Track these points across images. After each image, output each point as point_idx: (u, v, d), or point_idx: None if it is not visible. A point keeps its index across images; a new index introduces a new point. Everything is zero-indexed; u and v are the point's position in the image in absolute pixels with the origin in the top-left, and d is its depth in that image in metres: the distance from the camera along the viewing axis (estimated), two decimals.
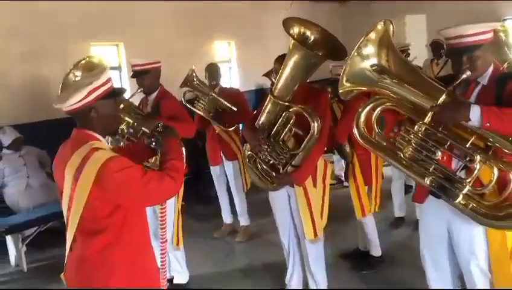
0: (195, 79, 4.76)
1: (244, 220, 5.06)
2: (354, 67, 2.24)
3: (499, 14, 8.15)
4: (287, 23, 2.82)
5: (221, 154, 4.94)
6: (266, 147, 3.05)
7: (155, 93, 3.68)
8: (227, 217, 5.19)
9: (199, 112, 4.74)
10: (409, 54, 5.44)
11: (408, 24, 9.53)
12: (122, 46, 6.72)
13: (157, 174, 2.01)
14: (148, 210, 3.61)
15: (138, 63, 3.62)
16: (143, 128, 3.27)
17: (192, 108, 4.74)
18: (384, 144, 2.39)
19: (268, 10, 8.94)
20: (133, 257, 2.03)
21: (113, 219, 1.96)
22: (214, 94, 4.68)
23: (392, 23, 2.24)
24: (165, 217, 2.42)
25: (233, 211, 5.17)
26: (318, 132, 2.93)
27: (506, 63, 3.21)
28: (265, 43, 8.67)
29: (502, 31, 3.60)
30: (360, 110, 2.40)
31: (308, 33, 2.85)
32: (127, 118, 3.32)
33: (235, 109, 4.62)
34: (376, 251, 3.99)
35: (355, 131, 2.42)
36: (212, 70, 5.02)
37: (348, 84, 2.31)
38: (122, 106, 3.34)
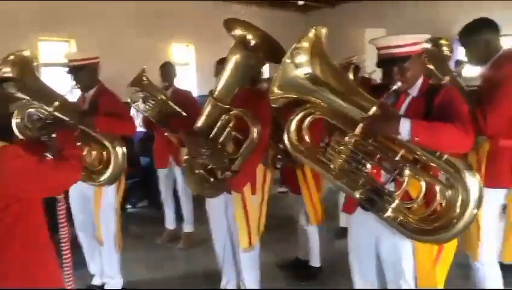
0: (144, 79, 4.58)
1: (188, 227, 4.93)
2: (286, 75, 2.16)
3: (452, 32, 8.26)
4: (229, 24, 2.75)
5: (170, 157, 4.80)
6: (204, 150, 2.94)
7: (93, 90, 3.50)
8: (170, 223, 5.05)
9: (145, 114, 4.56)
10: (358, 68, 5.33)
11: (367, 37, 9.61)
12: (73, 42, 6.54)
13: (53, 162, 1.97)
14: (76, 202, 3.55)
15: (73, 58, 3.44)
16: (80, 126, 3.15)
17: (137, 109, 4.58)
18: (315, 154, 2.33)
19: (229, 15, 8.86)
20: (27, 256, 1.91)
21: (6, 213, 1.84)
22: (163, 97, 4.51)
23: (325, 30, 2.18)
24: (64, 214, 2.37)
25: (179, 217, 5.03)
26: (258, 137, 2.84)
27: (448, 77, 3.22)
28: (225, 48, 8.60)
29: (446, 45, 3.63)
30: (291, 118, 2.34)
31: (249, 35, 2.79)
32: (63, 116, 3.20)
33: (185, 114, 4.42)
34: (315, 261, 3.94)
35: (286, 140, 2.36)
36: (166, 70, 4.87)
37: (279, 92, 2.23)
38: (56, 103, 3.20)
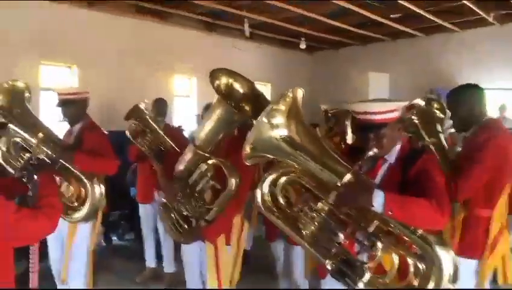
0: (146, 113, 4.51)
1: (169, 267, 4.78)
2: (262, 135, 2.11)
3: (454, 81, 8.14)
4: (215, 74, 2.71)
5: (156, 192, 4.69)
6: (180, 197, 2.90)
7: (79, 125, 3.47)
8: (151, 261, 4.89)
9: (142, 148, 4.44)
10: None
11: (371, 81, 9.63)
12: (75, 68, 6.59)
13: (30, 211, 1.87)
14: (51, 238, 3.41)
15: (64, 92, 3.42)
16: (61, 160, 3.13)
17: (135, 142, 4.52)
18: (288, 216, 2.25)
19: (233, 49, 8.96)
20: None
21: None
22: (161, 132, 4.46)
23: (302, 92, 2.16)
24: (36, 258, 2.30)
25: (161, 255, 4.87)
26: (235, 189, 2.77)
27: (433, 139, 3.15)
28: None
29: (439, 106, 3.55)
30: (264, 176, 2.28)
31: (236, 86, 2.74)
32: (45, 149, 3.18)
33: (178, 150, 4.40)
34: None
35: (259, 198, 2.28)
36: (161, 106, 4.87)
37: (252, 151, 2.17)
38: (40, 135, 3.19)
